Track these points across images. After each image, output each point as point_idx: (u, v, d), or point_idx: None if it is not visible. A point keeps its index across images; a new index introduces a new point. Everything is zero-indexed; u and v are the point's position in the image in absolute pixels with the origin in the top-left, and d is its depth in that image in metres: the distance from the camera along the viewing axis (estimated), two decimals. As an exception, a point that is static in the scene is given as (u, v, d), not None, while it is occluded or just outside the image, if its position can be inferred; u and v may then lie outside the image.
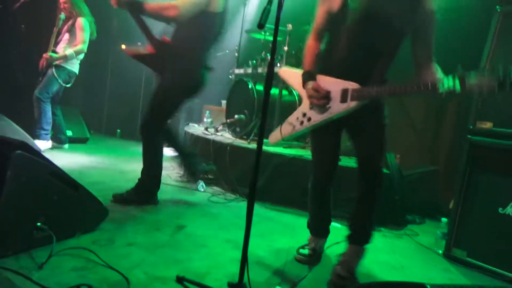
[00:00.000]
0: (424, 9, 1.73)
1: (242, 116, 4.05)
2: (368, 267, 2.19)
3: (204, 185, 3.49)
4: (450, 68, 1.65)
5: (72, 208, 1.97)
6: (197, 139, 4.15)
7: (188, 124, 5.61)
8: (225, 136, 4.13)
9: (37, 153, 1.80)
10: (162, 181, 3.53)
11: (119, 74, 6.30)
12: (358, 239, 2.02)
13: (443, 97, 1.53)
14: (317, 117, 1.90)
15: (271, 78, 1.43)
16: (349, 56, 1.83)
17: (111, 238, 2.08)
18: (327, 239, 2.31)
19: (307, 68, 1.94)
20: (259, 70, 4.32)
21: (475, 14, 3.68)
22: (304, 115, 1.96)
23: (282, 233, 2.63)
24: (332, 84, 1.85)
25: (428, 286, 0.82)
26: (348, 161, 3.38)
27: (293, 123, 2.01)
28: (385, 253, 2.51)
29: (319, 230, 2.28)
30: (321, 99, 1.85)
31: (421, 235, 3.00)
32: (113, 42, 6.23)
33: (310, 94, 1.88)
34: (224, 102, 5.03)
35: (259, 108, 3.91)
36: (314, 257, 2.19)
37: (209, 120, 4.96)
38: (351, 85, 1.79)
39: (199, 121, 5.90)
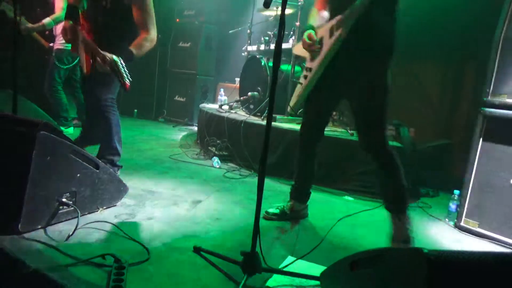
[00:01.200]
0: None
1: (255, 93, 4.08)
2: (378, 239, 2.25)
3: (219, 161, 3.57)
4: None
5: (94, 185, 2.09)
6: (211, 116, 4.21)
7: (203, 102, 5.68)
8: (239, 114, 4.18)
9: (59, 133, 1.90)
10: (179, 158, 3.64)
11: (134, 54, 6.37)
12: (393, 209, 2.09)
13: None
14: (315, 63, 1.98)
15: (279, 55, 1.47)
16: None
17: (131, 212, 2.19)
18: (306, 206, 2.44)
19: (308, 23, 2.06)
20: (272, 46, 4.31)
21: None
22: (307, 69, 2.06)
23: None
24: (324, 30, 1.98)
25: (426, 251, 0.87)
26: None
27: (301, 81, 2.10)
28: (396, 225, 2.56)
29: (294, 191, 2.39)
30: (314, 45, 1.95)
31: (434, 207, 3.03)
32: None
33: (303, 43, 1.99)
34: (238, 79, 5.05)
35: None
36: (281, 217, 2.34)
37: (223, 98, 5.01)
38: (336, 19, 1.89)
39: (213, 99, 5.96)
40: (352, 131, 3.46)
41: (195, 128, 5.39)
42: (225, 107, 4.53)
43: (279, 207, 2.40)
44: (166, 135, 5.00)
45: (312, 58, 2.04)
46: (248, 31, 4.89)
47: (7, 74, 2.66)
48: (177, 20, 6.18)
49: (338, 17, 1.87)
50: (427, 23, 4.54)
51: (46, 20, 3.92)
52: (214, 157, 3.63)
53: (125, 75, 2.40)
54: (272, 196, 2.86)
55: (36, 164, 1.75)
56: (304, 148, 2.28)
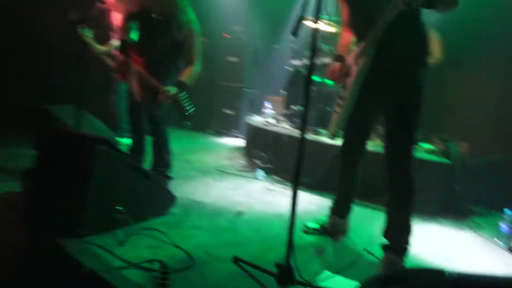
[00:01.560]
0: None
1: (300, 106, 4.15)
2: (420, 258, 2.21)
3: (263, 174, 3.67)
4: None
5: (146, 195, 2.27)
6: (256, 130, 4.34)
7: (249, 114, 5.83)
8: (284, 127, 4.26)
9: (116, 147, 2.10)
10: (225, 170, 3.79)
11: (185, 69, 6.70)
12: (393, 248, 2.01)
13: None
14: (347, 92, 2.02)
15: (311, 71, 1.55)
16: (356, 27, 2.06)
17: (178, 221, 2.35)
18: (346, 220, 2.43)
19: (337, 53, 2.12)
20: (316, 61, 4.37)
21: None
22: (340, 97, 2.10)
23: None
24: (351, 57, 2.04)
25: (447, 272, 0.90)
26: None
27: (336, 110, 2.13)
28: (440, 244, 2.50)
29: (334, 206, 2.40)
30: (340, 75, 2.02)
31: (485, 227, 2.90)
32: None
33: (329, 77, 2.08)
34: (283, 92, 5.15)
35: (316, 99, 3.98)
36: (321, 231, 2.36)
37: (269, 111, 5.12)
38: (359, 47, 1.95)
39: (260, 111, 6.09)
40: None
41: (242, 140, 5.54)
42: (271, 120, 4.64)
43: (319, 222, 2.44)
44: (214, 147, 5.21)
45: (344, 86, 2.10)
46: (292, 45, 4.99)
47: (75, 90, 2.95)
48: (226, 35, 6.43)
49: (361, 44, 1.92)
50: (487, 34, 4.38)
51: (114, 42, 4.31)
52: (259, 169, 3.74)
53: (186, 105, 2.60)
54: (317, 210, 2.90)
55: (96, 175, 1.96)
56: (345, 165, 2.31)
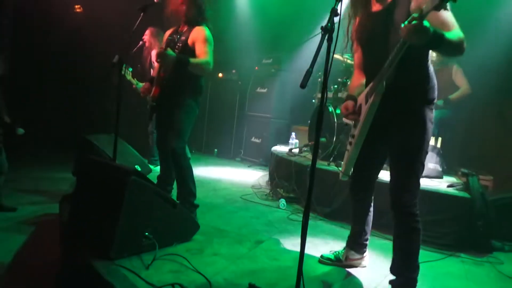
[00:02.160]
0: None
1: (323, 138, 4.28)
2: (435, 292, 2.24)
3: (285, 203, 3.79)
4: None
5: (172, 222, 2.46)
6: (281, 159, 4.49)
7: (276, 144, 6.01)
8: (307, 158, 4.39)
9: (146, 178, 2.32)
10: (249, 199, 3.95)
11: (216, 99, 7.03)
12: (400, 285, 2.04)
13: (411, 38, 1.63)
14: (357, 130, 2.09)
15: (323, 105, 1.70)
16: (368, 68, 2.14)
17: (200, 248, 2.51)
18: (362, 257, 2.48)
19: (349, 93, 2.23)
20: (339, 94, 4.52)
21: None
22: (351, 136, 2.19)
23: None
24: (361, 98, 2.12)
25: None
26: (427, 184, 3.38)
27: (347, 148, 2.23)
28: (458, 280, 2.51)
29: (349, 240, 2.46)
30: (352, 114, 2.11)
31: (507, 263, 2.86)
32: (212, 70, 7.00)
33: (342, 113, 2.16)
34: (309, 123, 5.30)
35: (338, 132, 4.11)
36: (335, 263, 2.43)
37: (294, 141, 5.28)
38: (370, 86, 2.03)
39: (286, 141, 6.26)
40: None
41: (268, 168, 5.70)
42: (295, 150, 4.79)
43: (335, 253, 2.52)
44: (240, 175, 5.39)
45: (354, 125, 2.18)
46: (320, 79, 5.17)
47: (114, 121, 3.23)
48: (256, 68, 6.74)
49: (371, 84, 2.01)
50: None
51: (139, 84, 4.77)
52: (281, 199, 3.86)
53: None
54: (334, 241, 2.98)
55: (127, 203, 2.17)
56: (355, 201, 2.39)
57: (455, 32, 1.75)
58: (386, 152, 2.20)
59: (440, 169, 3.85)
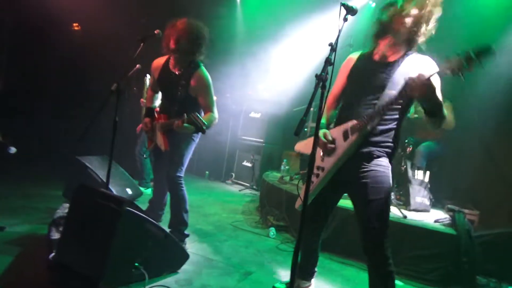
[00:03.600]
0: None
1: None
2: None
3: (275, 232, 3.82)
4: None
5: (162, 252, 2.47)
6: (272, 187, 4.53)
7: (268, 169, 6.06)
8: (298, 185, 4.43)
9: (139, 208, 2.35)
10: (239, 226, 3.96)
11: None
12: None
13: (417, 91, 1.76)
14: (328, 163, 2.14)
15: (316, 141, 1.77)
16: (349, 105, 2.21)
17: (189, 279, 2.52)
18: (310, 284, 2.52)
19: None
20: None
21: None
22: (318, 168, 2.21)
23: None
24: (337, 131, 2.17)
25: None
26: (413, 219, 3.45)
27: (312, 180, 2.20)
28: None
29: (300, 269, 2.48)
30: (329, 144, 2.13)
31: (491, 301, 2.91)
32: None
33: (320, 142, 2.16)
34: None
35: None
36: None
37: (286, 168, 5.33)
38: (350, 123, 2.08)
39: (278, 167, 6.31)
40: (405, 214, 3.50)
41: (259, 193, 5.73)
42: (286, 177, 4.84)
43: (286, 283, 2.56)
44: (231, 199, 5.40)
45: (323, 158, 2.20)
46: (312, 108, 5.28)
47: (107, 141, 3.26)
48: (250, 92, 6.85)
49: (354, 122, 2.06)
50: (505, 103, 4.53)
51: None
52: (271, 227, 3.89)
53: (203, 121, 2.73)
54: (321, 273, 2.99)
55: (119, 233, 2.19)
56: (308, 231, 2.40)
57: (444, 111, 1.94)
58: (342, 193, 2.30)
59: (427, 203, 3.94)
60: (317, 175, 2.23)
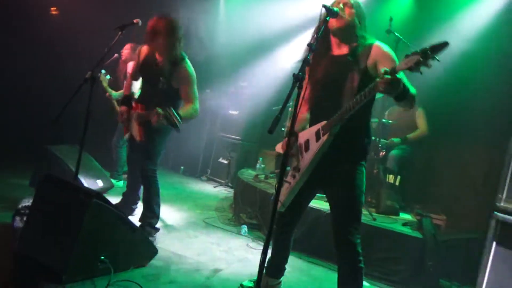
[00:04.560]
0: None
1: (288, 167, 4.36)
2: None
3: (247, 230, 3.81)
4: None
5: (130, 246, 2.43)
6: (246, 185, 4.53)
7: (244, 166, 6.05)
8: (273, 185, 4.45)
9: (108, 201, 2.29)
10: (212, 222, 3.93)
11: (187, 116, 7.02)
12: None
13: (384, 89, 1.75)
14: (304, 164, 2.17)
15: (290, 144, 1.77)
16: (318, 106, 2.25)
17: (157, 274, 2.49)
18: (280, 281, 2.53)
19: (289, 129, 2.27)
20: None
21: None
22: (295, 168, 2.26)
23: (307, 287, 2.86)
24: (308, 133, 2.21)
25: None
26: (382, 221, 3.52)
27: (288, 181, 2.28)
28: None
29: (270, 266, 2.49)
30: (290, 151, 2.12)
31: (452, 304, 3.01)
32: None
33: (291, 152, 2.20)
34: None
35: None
36: None
37: (261, 166, 5.34)
38: (320, 124, 2.12)
39: (254, 165, 6.31)
40: (375, 216, 3.57)
41: (234, 191, 5.71)
42: (261, 175, 4.84)
43: (254, 281, 2.55)
44: (205, 195, 5.37)
45: (299, 159, 2.24)
46: (290, 109, 5.29)
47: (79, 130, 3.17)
48: (232, 90, 6.82)
49: (323, 123, 2.09)
50: (472, 110, 4.68)
51: (114, 93, 4.76)
52: (243, 225, 3.88)
53: (178, 119, 2.71)
54: (290, 271, 3.01)
55: (86, 226, 2.13)
56: (282, 232, 2.42)
57: (412, 88, 1.91)
58: (317, 192, 2.35)
59: (397, 206, 4.02)
60: (294, 176, 2.26)
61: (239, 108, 6.54)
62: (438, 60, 1.57)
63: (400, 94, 1.81)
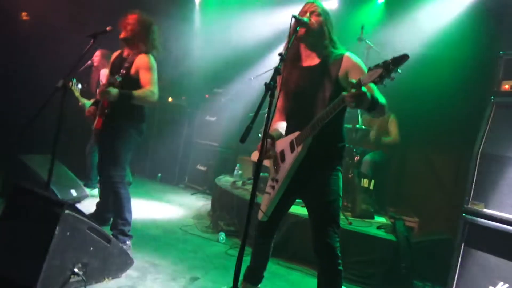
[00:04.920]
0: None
1: (266, 173, 4.40)
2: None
3: (224, 237, 3.81)
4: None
5: (104, 257, 2.39)
6: (223, 192, 4.53)
7: (222, 173, 6.04)
8: (249, 190, 4.47)
9: (80, 212, 2.26)
10: (189, 230, 3.90)
11: (164, 123, 6.96)
12: None
13: (352, 103, 1.80)
14: (281, 175, 2.19)
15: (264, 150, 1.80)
16: (292, 117, 2.28)
17: (132, 285, 2.46)
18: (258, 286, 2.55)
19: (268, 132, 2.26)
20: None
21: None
22: (273, 180, 2.27)
23: (286, 292, 2.88)
24: (284, 143, 2.23)
25: None
26: (358, 225, 3.59)
27: (268, 191, 2.29)
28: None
29: (250, 273, 2.52)
30: (265, 154, 2.13)
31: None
32: (160, 94, 6.96)
33: (270, 156, 2.22)
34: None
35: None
36: None
37: (239, 172, 5.35)
38: (294, 135, 2.15)
39: (232, 171, 6.31)
40: (350, 220, 3.64)
41: (211, 198, 5.69)
42: (239, 182, 4.85)
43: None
44: (183, 203, 5.32)
45: (276, 170, 2.26)
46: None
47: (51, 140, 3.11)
48: (207, 96, 6.82)
49: (297, 133, 2.13)
50: (444, 117, 4.84)
51: (87, 102, 4.65)
52: (221, 232, 3.88)
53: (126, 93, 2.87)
54: (268, 278, 3.01)
55: (57, 238, 2.09)
56: (262, 239, 2.45)
57: (381, 98, 1.96)
58: (296, 198, 2.37)
59: (372, 210, 4.10)
60: (273, 187, 2.27)
61: (216, 114, 6.54)
62: (399, 73, 1.63)
63: (369, 105, 1.85)
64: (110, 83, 2.97)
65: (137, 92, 2.93)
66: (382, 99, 1.97)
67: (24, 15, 6.83)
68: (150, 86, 3.01)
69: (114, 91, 2.84)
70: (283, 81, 2.22)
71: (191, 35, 7.09)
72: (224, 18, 6.73)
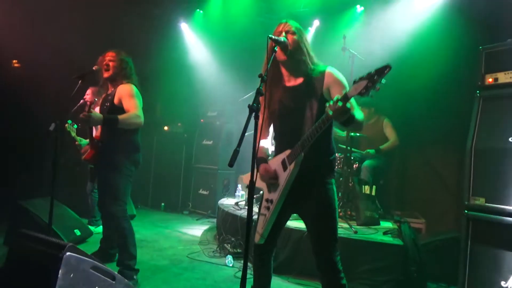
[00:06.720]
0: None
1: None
2: None
3: (232, 260, 3.78)
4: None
5: (110, 295, 2.37)
6: (227, 214, 4.51)
7: (224, 194, 6.04)
8: (254, 211, 4.45)
9: (82, 252, 2.25)
10: (196, 257, 3.87)
11: (163, 152, 7.01)
12: None
13: (337, 117, 1.82)
14: (275, 195, 2.17)
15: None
16: (281, 136, 2.29)
17: (142, 321, 2.43)
18: None
19: (257, 156, 2.22)
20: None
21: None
22: (267, 200, 2.24)
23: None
24: (275, 162, 2.23)
25: None
26: (364, 233, 3.57)
27: (263, 213, 2.26)
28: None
29: None
30: (272, 178, 2.17)
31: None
32: (157, 124, 7.03)
33: (261, 176, 2.21)
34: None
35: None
36: None
37: (240, 193, 5.34)
38: (285, 153, 2.15)
39: (234, 192, 6.30)
40: (356, 229, 3.61)
41: (216, 221, 5.66)
42: (241, 202, 4.84)
43: None
44: (188, 230, 5.29)
45: (269, 190, 2.24)
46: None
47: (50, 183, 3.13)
48: (202, 120, 6.88)
49: (288, 152, 2.13)
50: (446, 120, 4.84)
51: (83, 141, 4.66)
52: (228, 255, 3.85)
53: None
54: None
55: (61, 281, 2.08)
56: (261, 260, 2.41)
57: (360, 113, 2.00)
58: (290, 214, 2.35)
59: (376, 216, 4.08)
60: (268, 208, 2.24)
61: (212, 137, 6.58)
62: (383, 83, 1.65)
63: (347, 119, 1.88)
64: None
65: (121, 116, 2.91)
66: (359, 115, 2.00)
67: (15, 63, 6.95)
68: (134, 110, 3.00)
69: (97, 115, 2.83)
70: (267, 101, 2.23)
71: (182, 62, 7.15)
72: (213, 41, 6.84)
